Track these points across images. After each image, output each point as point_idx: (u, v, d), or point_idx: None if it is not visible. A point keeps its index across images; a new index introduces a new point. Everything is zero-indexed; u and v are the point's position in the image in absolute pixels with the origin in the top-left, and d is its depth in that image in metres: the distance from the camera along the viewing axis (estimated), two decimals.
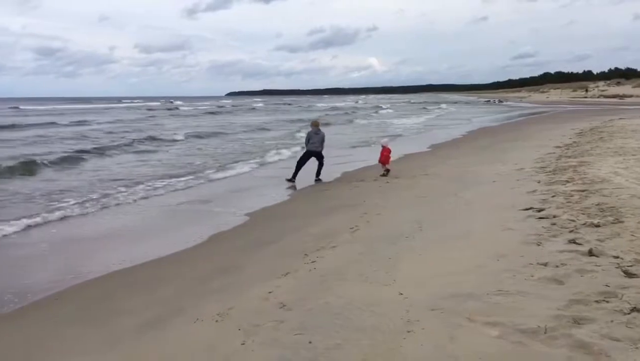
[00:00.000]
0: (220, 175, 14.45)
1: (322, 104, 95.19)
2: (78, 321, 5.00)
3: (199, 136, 27.39)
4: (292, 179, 12.72)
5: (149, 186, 12.48)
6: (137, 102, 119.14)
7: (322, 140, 13.27)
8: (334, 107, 78.18)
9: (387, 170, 12.54)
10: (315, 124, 13.53)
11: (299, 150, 16.85)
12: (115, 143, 22.25)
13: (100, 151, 19.87)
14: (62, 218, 9.32)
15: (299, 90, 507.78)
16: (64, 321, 5.02)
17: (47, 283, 6.16)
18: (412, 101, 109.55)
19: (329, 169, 13.94)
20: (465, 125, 32.72)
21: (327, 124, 28.17)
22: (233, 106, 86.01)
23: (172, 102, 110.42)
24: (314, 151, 13.12)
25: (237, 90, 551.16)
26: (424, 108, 67.63)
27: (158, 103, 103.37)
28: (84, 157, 18.26)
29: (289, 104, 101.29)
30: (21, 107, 78.80)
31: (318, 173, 13.02)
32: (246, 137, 27.32)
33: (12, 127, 34.55)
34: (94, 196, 11.16)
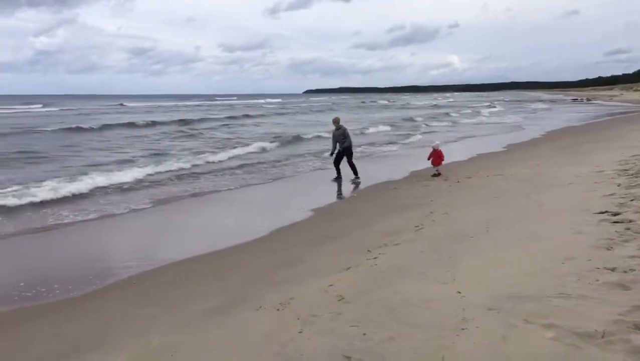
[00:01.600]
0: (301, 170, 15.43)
1: (418, 102, 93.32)
2: (152, 304, 5.41)
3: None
4: (337, 177, 13.30)
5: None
6: (232, 100, 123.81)
7: (345, 135, 13.57)
8: (434, 104, 78.27)
9: (438, 173, 12.53)
10: (336, 121, 13.84)
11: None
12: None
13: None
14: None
15: (376, 88, 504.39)
16: (140, 303, 5.45)
17: (126, 267, 6.71)
18: (506, 99, 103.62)
19: (399, 169, 14.02)
20: (550, 123, 31.32)
21: (431, 132, 28.14)
22: (334, 104, 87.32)
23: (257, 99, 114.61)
24: (346, 148, 13.50)
25: (314, 88, 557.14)
26: (520, 107, 64.52)
27: (262, 101, 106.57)
28: None
29: (374, 102, 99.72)
30: (125, 103, 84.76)
31: (354, 172, 13.34)
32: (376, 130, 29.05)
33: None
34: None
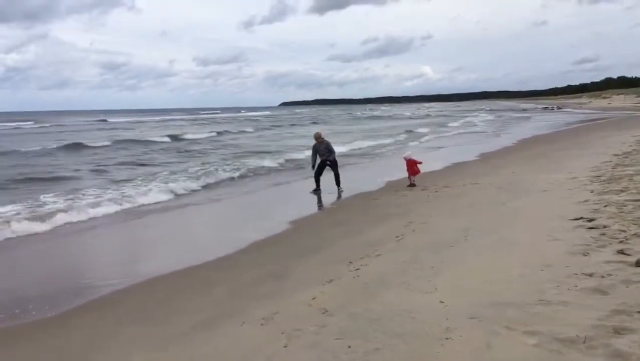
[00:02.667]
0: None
1: (405, 112, 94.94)
2: (136, 321, 5.33)
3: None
4: (317, 189, 13.36)
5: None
6: (217, 113, 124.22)
7: (330, 149, 13.78)
8: (426, 114, 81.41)
9: (413, 184, 12.65)
10: (318, 135, 14.05)
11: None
12: None
13: None
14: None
15: (352, 99, 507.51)
16: (123, 320, 5.36)
17: (107, 282, 6.60)
18: (487, 109, 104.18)
19: (375, 180, 14.13)
20: (522, 132, 32.00)
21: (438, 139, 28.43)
22: (321, 116, 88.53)
23: (240, 112, 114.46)
24: (326, 160, 13.66)
25: (289, 100, 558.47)
26: (501, 116, 65.69)
27: (249, 114, 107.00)
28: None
29: (362, 113, 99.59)
30: (107, 119, 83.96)
31: (338, 183, 13.42)
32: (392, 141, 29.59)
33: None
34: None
